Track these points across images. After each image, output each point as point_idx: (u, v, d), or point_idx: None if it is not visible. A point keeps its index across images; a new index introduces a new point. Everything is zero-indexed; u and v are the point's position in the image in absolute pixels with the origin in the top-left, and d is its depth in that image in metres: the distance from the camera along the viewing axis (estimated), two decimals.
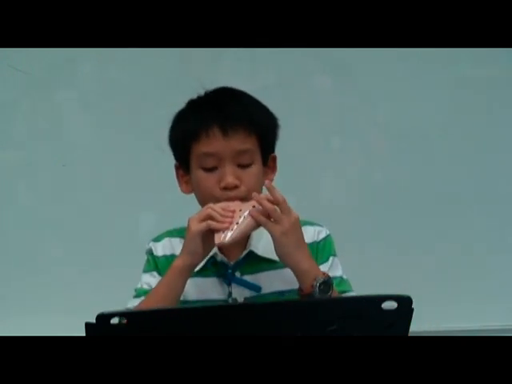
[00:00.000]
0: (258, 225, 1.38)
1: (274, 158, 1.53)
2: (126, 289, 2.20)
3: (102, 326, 1.03)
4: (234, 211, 1.39)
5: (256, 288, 1.46)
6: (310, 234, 1.49)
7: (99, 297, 2.10)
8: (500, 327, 2.21)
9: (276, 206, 1.37)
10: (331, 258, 1.49)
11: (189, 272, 1.41)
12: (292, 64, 2.24)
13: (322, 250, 1.50)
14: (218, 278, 1.48)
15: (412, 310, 1.09)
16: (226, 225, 1.37)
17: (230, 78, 2.26)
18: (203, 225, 1.38)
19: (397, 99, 2.26)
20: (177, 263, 1.41)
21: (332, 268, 1.48)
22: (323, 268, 1.45)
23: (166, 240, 1.53)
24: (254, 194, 1.39)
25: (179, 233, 1.50)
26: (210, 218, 1.38)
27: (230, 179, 1.42)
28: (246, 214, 1.38)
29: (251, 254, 1.48)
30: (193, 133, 1.45)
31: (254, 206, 1.39)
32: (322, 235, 1.51)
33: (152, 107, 2.25)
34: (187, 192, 1.51)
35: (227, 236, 1.37)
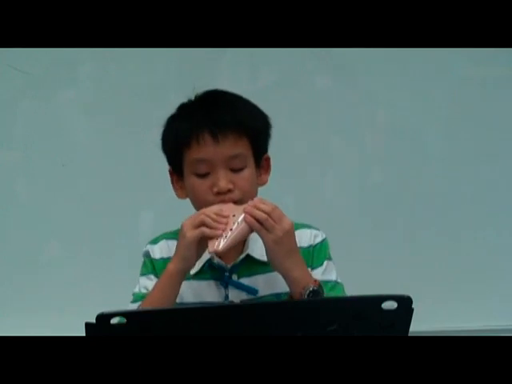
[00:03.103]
0: (252, 230, 1.38)
1: (268, 159, 1.53)
2: (126, 289, 2.20)
3: (101, 325, 1.03)
4: (227, 216, 1.38)
5: (253, 291, 1.46)
6: (307, 238, 1.50)
7: (99, 297, 2.10)
8: (500, 327, 2.21)
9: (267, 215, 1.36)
10: (326, 262, 1.50)
11: (182, 276, 1.41)
12: (292, 64, 2.24)
13: (317, 253, 1.50)
14: (215, 280, 1.48)
15: (412, 309, 1.09)
16: (219, 231, 1.37)
17: (230, 78, 2.28)
18: (197, 232, 1.37)
19: (397, 99, 2.26)
20: (170, 268, 1.41)
21: (326, 272, 1.48)
22: (318, 272, 1.47)
23: (163, 242, 1.53)
24: (245, 206, 1.38)
25: (175, 235, 1.49)
26: (204, 224, 1.37)
27: (222, 184, 1.43)
28: (240, 219, 1.37)
29: (248, 257, 1.48)
30: (184, 140, 1.45)
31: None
32: (319, 239, 1.51)
33: (152, 107, 2.24)
34: (183, 197, 1.52)
35: (221, 244, 1.36)
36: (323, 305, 1.16)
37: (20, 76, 2.23)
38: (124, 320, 1.04)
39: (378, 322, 1.09)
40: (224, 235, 1.37)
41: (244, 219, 1.37)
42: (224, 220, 1.38)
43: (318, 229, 1.53)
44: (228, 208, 1.41)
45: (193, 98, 1.52)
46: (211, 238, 1.37)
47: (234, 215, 1.39)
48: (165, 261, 1.49)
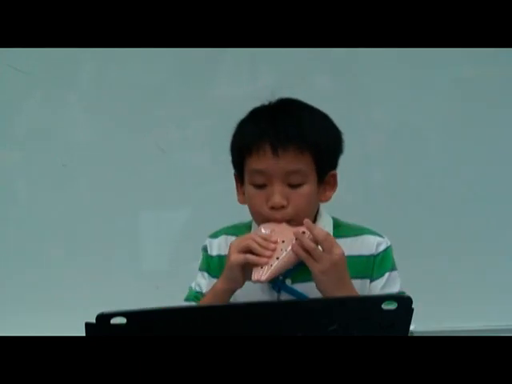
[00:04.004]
0: (299, 259, 1.35)
1: (334, 175, 1.50)
2: (126, 289, 2.21)
3: (101, 325, 1.03)
4: (276, 242, 1.35)
5: (305, 299, 1.42)
6: (369, 246, 1.47)
7: (99, 297, 2.10)
8: (500, 327, 2.20)
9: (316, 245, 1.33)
10: (387, 274, 1.46)
11: (229, 295, 1.39)
12: (292, 64, 2.23)
13: (378, 264, 1.46)
14: (268, 283, 1.43)
15: (412, 309, 1.09)
16: (264, 260, 1.33)
17: (230, 78, 2.28)
18: (241, 258, 1.34)
19: (396, 99, 2.26)
20: (217, 286, 1.40)
21: (388, 284, 1.46)
22: (377, 284, 1.44)
23: (222, 238, 1.51)
24: (295, 231, 1.34)
25: (236, 230, 1.48)
26: (250, 249, 1.35)
27: (277, 199, 1.39)
28: (289, 249, 1.34)
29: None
30: (246, 147, 1.42)
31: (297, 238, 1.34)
32: (382, 248, 1.47)
33: (152, 107, 2.25)
34: (242, 203, 1.47)
35: (265, 273, 1.33)
36: (323, 305, 1.16)
37: (20, 76, 2.23)
38: (124, 320, 1.04)
39: (378, 322, 1.09)
40: (270, 263, 1.33)
41: (291, 248, 1.34)
42: (271, 246, 1.35)
43: (382, 236, 1.49)
44: (280, 230, 1.37)
45: (265, 104, 1.48)
46: (256, 265, 1.34)
47: (283, 241, 1.35)
48: (221, 258, 1.46)
